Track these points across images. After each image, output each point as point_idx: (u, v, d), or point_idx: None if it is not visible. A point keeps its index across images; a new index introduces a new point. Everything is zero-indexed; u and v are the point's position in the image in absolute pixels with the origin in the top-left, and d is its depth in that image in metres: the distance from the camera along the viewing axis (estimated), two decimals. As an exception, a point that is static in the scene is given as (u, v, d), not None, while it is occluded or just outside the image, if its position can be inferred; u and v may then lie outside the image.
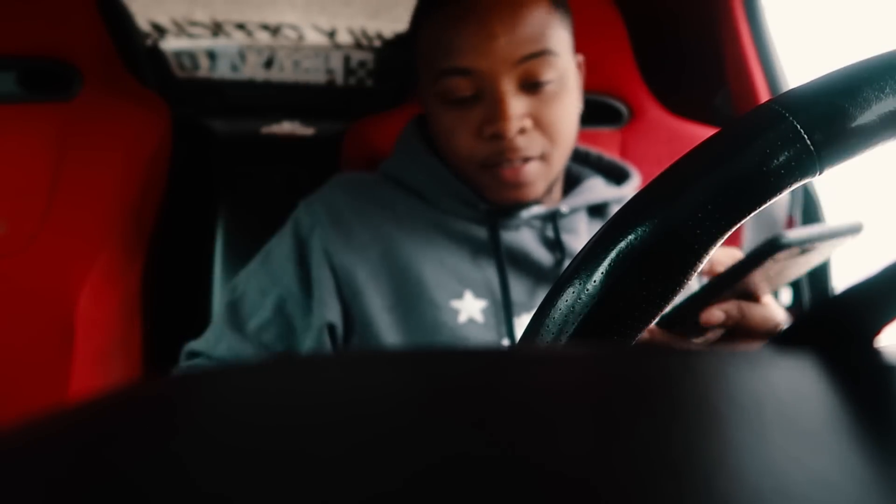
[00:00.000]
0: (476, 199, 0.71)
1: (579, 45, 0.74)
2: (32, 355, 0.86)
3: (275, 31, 1.49)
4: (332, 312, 0.69)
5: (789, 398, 0.15)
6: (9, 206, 0.87)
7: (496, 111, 0.65)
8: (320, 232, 0.71)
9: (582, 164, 0.83)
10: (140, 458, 0.11)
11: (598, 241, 0.25)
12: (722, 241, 0.26)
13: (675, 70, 1.19)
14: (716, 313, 0.50)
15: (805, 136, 0.25)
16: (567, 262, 0.68)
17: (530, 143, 0.67)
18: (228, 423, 0.13)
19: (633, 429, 0.13)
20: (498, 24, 0.65)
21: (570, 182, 0.80)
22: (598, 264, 0.25)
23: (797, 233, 0.50)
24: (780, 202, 0.98)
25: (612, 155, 0.84)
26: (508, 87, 0.65)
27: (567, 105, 0.69)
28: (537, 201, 0.72)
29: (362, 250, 0.70)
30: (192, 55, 1.29)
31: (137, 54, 1.03)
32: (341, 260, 0.70)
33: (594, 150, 0.83)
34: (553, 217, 0.73)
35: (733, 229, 0.25)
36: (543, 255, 0.72)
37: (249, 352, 0.68)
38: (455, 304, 0.69)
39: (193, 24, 1.42)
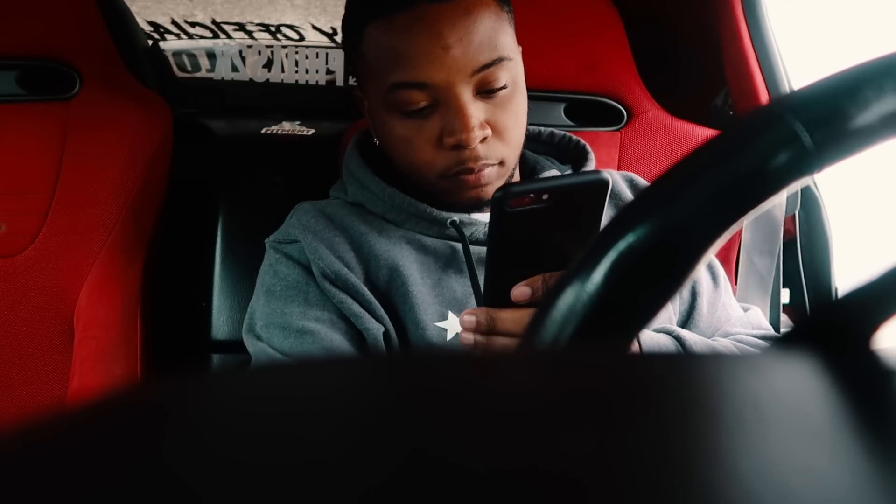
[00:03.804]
0: (439, 216, 0.69)
1: (579, 46, 0.73)
2: (32, 355, 0.86)
3: (275, 31, 1.49)
4: (374, 321, 0.67)
5: (789, 400, 0.15)
6: (9, 206, 0.87)
7: (458, 122, 0.63)
8: (314, 256, 0.68)
9: (534, 144, 0.81)
10: (134, 463, 0.11)
11: (599, 242, 0.25)
12: (721, 240, 0.26)
13: (674, 71, 1.19)
14: (523, 290, 0.51)
15: (805, 136, 0.25)
16: None
17: (490, 151, 0.66)
18: (221, 430, 0.13)
19: (632, 430, 0.13)
20: (451, 35, 0.62)
21: (526, 170, 0.78)
22: (598, 264, 0.25)
23: (521, 184, 0.53)
24: (781, 202, 0.98)
25: (611, 156, 0.83)
26: (467, 97, 0.63)
27: (519, 105, 0.68)
28: None
29: (352, 269, 0.69)
30: (192, 55, 1.29)
31: (137, 54, 1.03)
32: (344, 280, 0.68)
33: (545, 129, 0.82)
34: None
35: (732, 229, 0.25)
36: None
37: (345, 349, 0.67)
38: (441, 324, 0.68)
39: (193, 24, 1.42)
